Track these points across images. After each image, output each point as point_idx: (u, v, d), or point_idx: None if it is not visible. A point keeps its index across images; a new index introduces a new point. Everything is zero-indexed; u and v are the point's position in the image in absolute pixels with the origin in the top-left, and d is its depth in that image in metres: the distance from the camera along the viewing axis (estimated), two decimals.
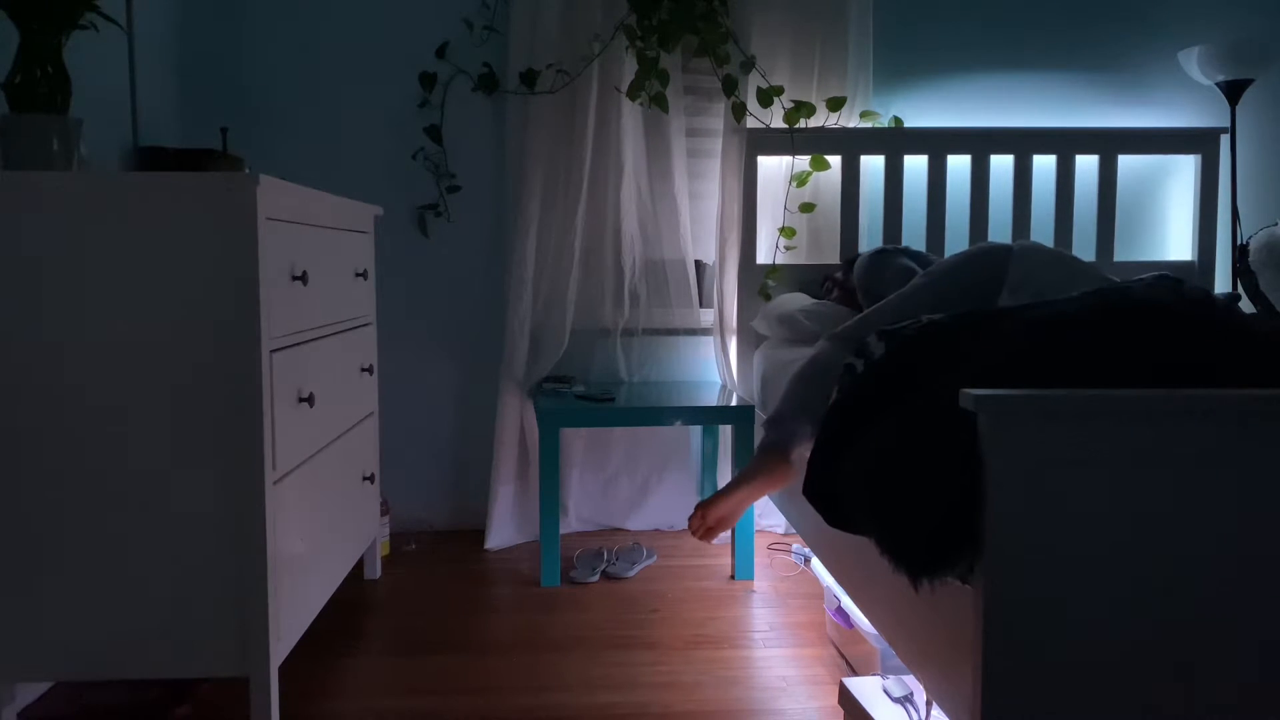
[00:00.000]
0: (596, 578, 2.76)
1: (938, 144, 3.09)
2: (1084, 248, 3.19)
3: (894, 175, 3.09)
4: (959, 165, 3.18)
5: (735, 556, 2.75)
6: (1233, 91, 3.09)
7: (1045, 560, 1.20)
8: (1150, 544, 1.21)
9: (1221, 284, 3.25)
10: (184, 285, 1.69)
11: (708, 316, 3.23)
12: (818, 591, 2.63)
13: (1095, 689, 1.22)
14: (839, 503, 1.54)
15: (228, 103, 3.01)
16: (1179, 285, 1.48)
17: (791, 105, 3.03)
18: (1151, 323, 1.34)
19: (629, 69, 3.03)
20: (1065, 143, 3.12)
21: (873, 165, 3.18)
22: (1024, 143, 3.10)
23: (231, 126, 3.00)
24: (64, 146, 1.76)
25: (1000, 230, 3.17)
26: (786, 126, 3.03)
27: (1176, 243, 3.31)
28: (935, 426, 1.28)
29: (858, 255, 2.67)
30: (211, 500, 1.71)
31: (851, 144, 3.07)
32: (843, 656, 2.22)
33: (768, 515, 3.20)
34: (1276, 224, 2.54)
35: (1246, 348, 1.32)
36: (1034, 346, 1.34)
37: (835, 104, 3.04)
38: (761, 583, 2.74)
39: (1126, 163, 3.24)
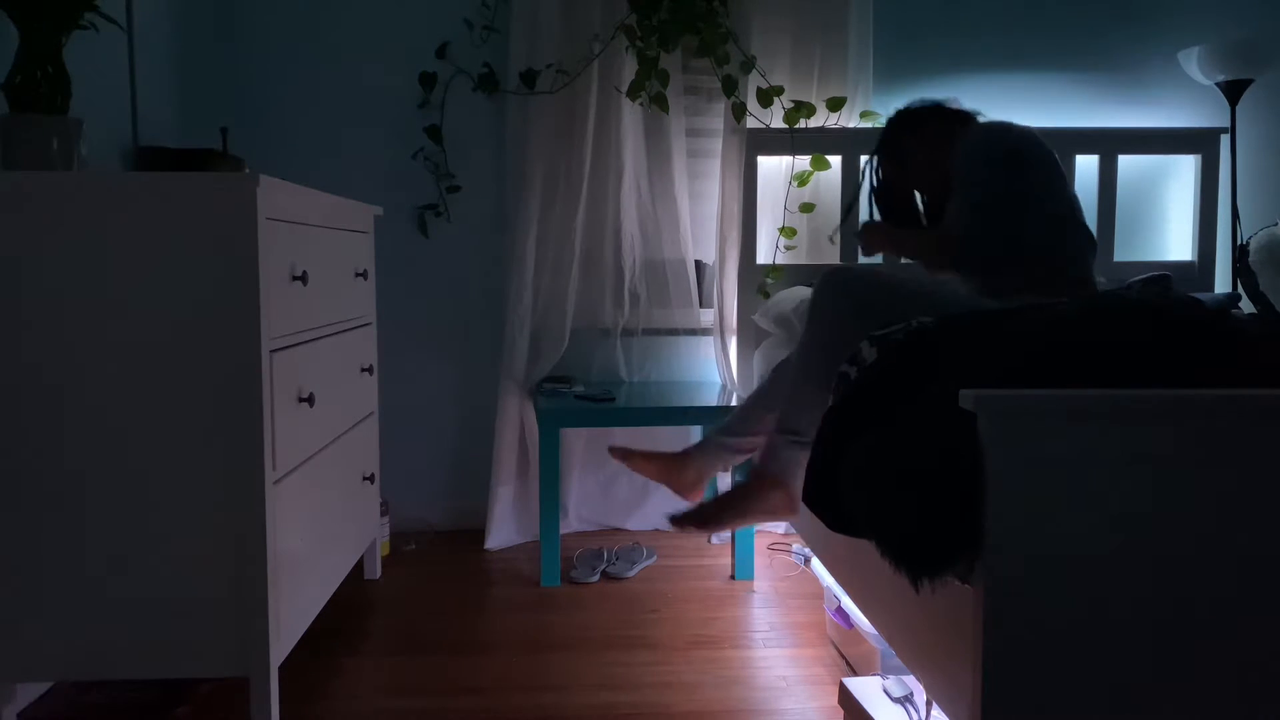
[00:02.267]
0: (596, 578, 2.76)
1: None
2: None
3: None
4: None
5: (735, 556, 2.75)
6: (1233, 91, 3.09)
7: (1045, 560, 1.20)
8: (1149, 544, 1.21)
9: (1221, 284, 3.25)
10: (184, 285, 1.69)
11: (708, 316, 3.23)
12: (818, 591, 2.63)
13: (1095, 689, 1.22)
14: (840, 507, 1.54)
15: (228, 103, 3.01)
16: (1166, 289, 1.48)
17: (791, 105, 3.03)
18: (1141, 325, 1.34)
19: (629, 69, 3.03)
20: (1065, 143, 3.12)
21: None
22: None
23: (231, 126, 3.01)
24: (64, 146, 1.76)
25: None
26: (786, 126, 3.03)
27: (1176, 243, 3.30)
28: (934, 428, 1.29)
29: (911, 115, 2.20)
30: (211, 500, 1.71)
31: (851, 144, 3.07)
32: (843, 656, 2.22)
33: None
34: (1276, 224, 2.54)
35: (1231, 349, 1.33)
36: (1031, 349, 1.34)
37: (835, 104, 3.04)
38: (761, 583, 2.74)
39: (1126, 163, 3.24)
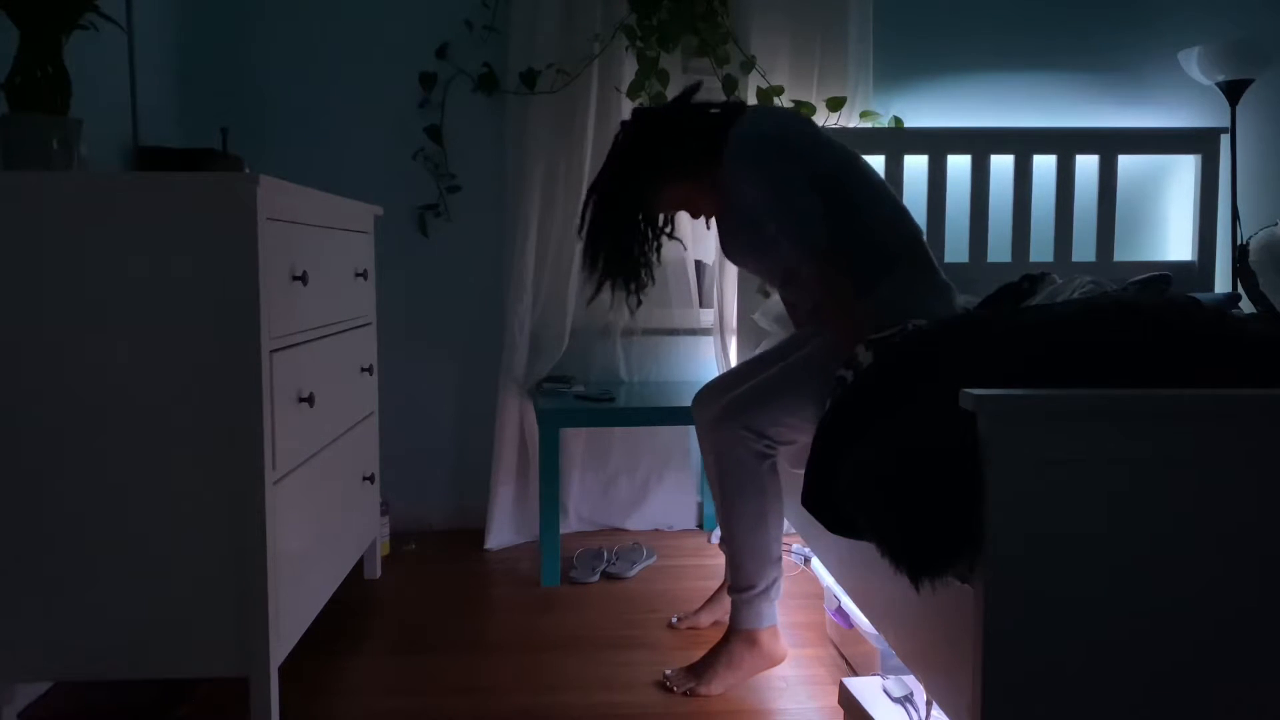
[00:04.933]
0: (596, 578, 2.76)
1: (938, 144, 3.09)
2: (1084, 248, 3.19)
3: (894, 175, 3.08)
4: (959, 165, 3.18)
5: None
6: (1233, 91, 3.09)
7: (1045, 560, 1.20)
8: (1150, 543, 1.21)
9: (1221, 284, 3.25)
10: (184, 285, 1.68)
11: (708, 316, 3.23)
12: (818, 591, 2.62)
13: (1095, 689, 1.22)
14: (838, 510, 1.54)
15: (228, 103, 3.01)
16: (1164, 290, 1.49)
17: (792, 105, 3.03)
18: (1137, 326, 1.35)
19: (629, 69, 3.03)
20: (1065, 143, 3.12)
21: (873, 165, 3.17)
22: (1024, 143, 3.10)
23: (231, 126, 3.00)
24: (64, 146, 1.76)
25: (1000, 230, 3.16)
26: None
27: (1176, 243, 3.30)
28: (933, 428, 1.29)
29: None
30: (211, 500, 1.71)
31: (851, 144, 3.06)
32: (843, 656, 2.22)
33: None
34: (1276, 224, 2.54)
35: (1229, 350, 1.33)
36: (1030, 350, 1.34)
37: (835, 104, 3.04)
38: None
39: (1126, 163, 3.24)
